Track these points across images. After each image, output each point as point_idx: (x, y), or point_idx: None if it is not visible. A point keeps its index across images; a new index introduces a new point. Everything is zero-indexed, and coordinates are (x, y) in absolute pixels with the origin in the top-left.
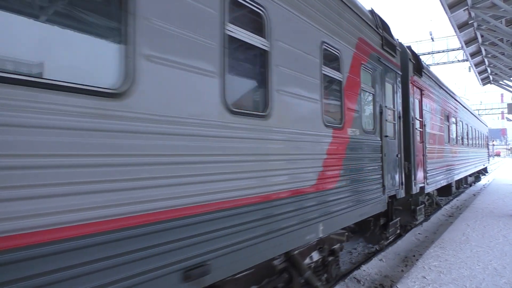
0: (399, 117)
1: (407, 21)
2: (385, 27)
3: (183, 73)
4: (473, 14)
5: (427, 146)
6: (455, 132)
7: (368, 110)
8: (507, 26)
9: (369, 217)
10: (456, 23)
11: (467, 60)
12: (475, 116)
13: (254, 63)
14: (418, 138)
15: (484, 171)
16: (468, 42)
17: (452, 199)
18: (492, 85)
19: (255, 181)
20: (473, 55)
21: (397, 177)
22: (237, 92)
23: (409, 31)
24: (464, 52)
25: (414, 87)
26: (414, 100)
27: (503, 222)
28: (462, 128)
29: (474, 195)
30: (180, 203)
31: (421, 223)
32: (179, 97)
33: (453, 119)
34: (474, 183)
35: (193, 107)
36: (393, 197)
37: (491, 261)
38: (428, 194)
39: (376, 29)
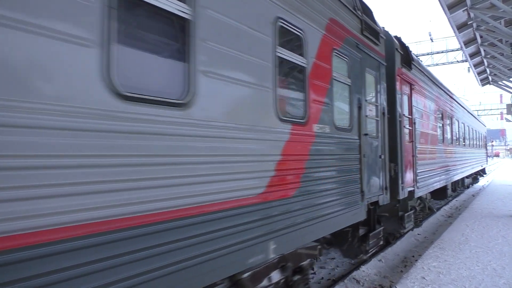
0: (383, 114)
1: (406, 22)
2: (365, 10)
3: (25, 36)
4: (472, 15)
5: (417, 146)
6: (450, 131)
7: (343, 103)
8: (506, 27)
9: (347, 227)
10: (456, 24)
11: (466, 61)
12: (472, 115)
13: (168, 34)
14: (406, 137)
15: (482, 172)
16: (467, 43)
17: (451, 200)
18: (491, 86)
19: (167, 191)
20: (472, 55)
21: (380, 181)
22: (136, 71)
23: (409, 31)
24: (463, 52)
25: (402, 81)
26: (402, 95)
27: (502, 222)
28: (459, 127)
29: (473, 195)
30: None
31: (411, 230)
32: (17, 71)
33: (449, 118)
34: (472, 185)
35: (47, 88)
36: (375, 204)
37: (490, 262)
38: (420, 198)
39: (354, 11)
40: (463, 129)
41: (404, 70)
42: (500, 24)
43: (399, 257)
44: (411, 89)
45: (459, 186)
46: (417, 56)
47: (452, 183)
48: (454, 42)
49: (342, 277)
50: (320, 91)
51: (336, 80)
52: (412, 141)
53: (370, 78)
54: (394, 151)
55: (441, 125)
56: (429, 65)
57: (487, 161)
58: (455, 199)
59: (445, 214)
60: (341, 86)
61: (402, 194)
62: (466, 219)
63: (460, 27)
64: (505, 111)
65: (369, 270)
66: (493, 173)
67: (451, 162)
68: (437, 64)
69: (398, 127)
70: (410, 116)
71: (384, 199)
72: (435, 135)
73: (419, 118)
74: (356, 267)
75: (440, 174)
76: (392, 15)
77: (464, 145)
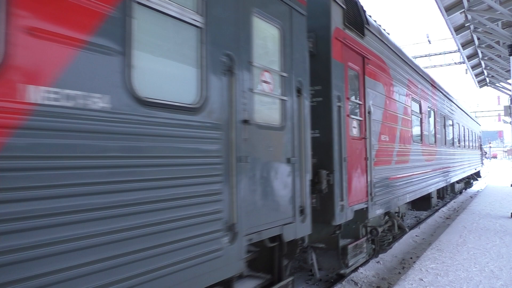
0: (299, 91)
1: (404, 24)
2: None
3: None
4: (469, 17)
5: (374, 144)
6: (433, 128)
7: (175, 56)
8: (503, 29)
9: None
10: (453, 26)
11: (463, 63)
12: (465, 112)
13: None
14: (354, 131)
15: (476, 175)
16: (464, 45)
17: (449, 201)
18: (489, 88)
19: None
20: (469, 57)
21: (286, 200)
22: None
23: (407, 33)
24: (461, 54)
25: (346, 50)
26: (346, 69)
27: (500, 224)
28: (445, 124)
29: (471, 197)
30: None
31: (363, 264)
32: None
33: (431, 112)
34: (465, 190)
35: None
36: (280, 238)
37: (488, 263)
38: (388, 214)
39: None
40: (451, 127)
41: (350, 34)
42: (497, 26)
43: (397, 258)
44: (364, 65)
45: (448, 192)
46: (415, 57)
47: (438, 190)
48: (451, 44)
49: (340, 279)
50: (61, 10)
51: (146, 6)
52: (364, 138)
53: (266, 29)
54: (327, 152)
55: (418, 119)
56: (426, 67)
57: (482, 163)
58: (453, 200)
59: (443, 215)
60: (169, 22)
61: (343, 217)
62: (464, 221)
63: (457, 29)
64: (502, 112)
65: (367, 271)
66: (490, 176)
67: (435, 166)
68: (434, 66)
69: (334, 115)
70: (360, 102)
71: (297, 229)
72: (408, 131)
73: (378, 106)
74: (354, 269)
75: (417, 182)
76: (390, 17)
77: (453, 145)
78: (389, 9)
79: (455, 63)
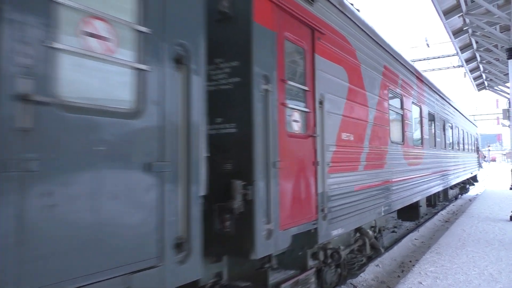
0: (179, 61)
1: (403, 27)
2: None
3: None
4: (467, 21)
5: (331, 144)
6: (418, 127)
7: None
8: (501, 32)
9: None
10: (451, 29)
11: (462, 66)
12: (459, 112)
13: None
14: (295, 126)
15: (473, 179)
16: (463, 48)
17: (448, 205)
18: (488, 91)
19: None
20: (468, 61)
21: (134, 233)
22: None
23: (405, 37)
24: (459, 58)
25: (281, 13)
26: (279, 40)
27: (499, 227)
28: (435, 124)
29: (470, 200)
30: None
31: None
32: None
33: (416, 108)
34: (461, 195)
35: None
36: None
37: (487, 267)
38: (360, 231)
39: None
40: (442, 127)
41: None
42: (496, 29)
43: (396, 262)
44: (313, 39)
45: (440, 200)
46: (413, 61)
47: (428, 197)
48: (450, 47)
49: (339, 282)
50: None
51: None
52: (312, 136)
53: None
54: (246, 154)
55: (399, 116)
56: (425, 70)
57: (480, 167)
58: (452, 204)
59: (442, 219)
60: None
61: (270, 246)
62: (463, 224)
63: (455, 33)
64: (501, 116)
65: (366, 275)
66: (489, 177)
67: (422, 171)
68: (433, 69)
69: (256, 102)
70: (307, 88)
71: (169, 276)
72: (384, 130)
73: (336, 96)
74: (353, 273)
75: (397, 190)
76: (389, 20)
77: (445, 147)
78: (388, 12)
79: (453, 66)
